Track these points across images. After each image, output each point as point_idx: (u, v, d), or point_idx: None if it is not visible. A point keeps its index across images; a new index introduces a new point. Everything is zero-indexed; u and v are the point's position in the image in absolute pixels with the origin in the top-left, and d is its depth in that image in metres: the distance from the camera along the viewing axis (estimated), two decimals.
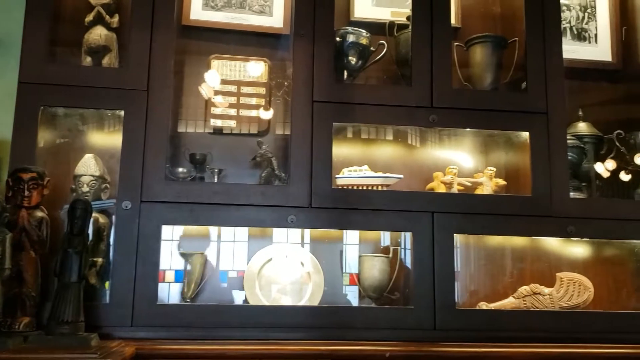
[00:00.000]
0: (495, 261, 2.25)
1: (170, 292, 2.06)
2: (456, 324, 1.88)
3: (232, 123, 2.18)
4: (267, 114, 2.19)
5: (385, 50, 2.17)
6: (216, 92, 2.17)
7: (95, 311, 1.73)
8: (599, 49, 2.46)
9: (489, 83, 2.16)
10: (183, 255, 2.05)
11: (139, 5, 1.92)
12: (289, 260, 2.06)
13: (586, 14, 2.49)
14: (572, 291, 2.06)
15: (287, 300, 2.02)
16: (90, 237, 1.79)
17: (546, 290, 2.06)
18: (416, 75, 2.01)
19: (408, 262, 2.06)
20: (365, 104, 1.99)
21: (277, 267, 2.05)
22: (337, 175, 2.06)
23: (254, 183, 2.07)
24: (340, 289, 2.17)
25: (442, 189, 2.09)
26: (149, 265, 1.78)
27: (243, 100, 2.20)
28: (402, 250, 2.10)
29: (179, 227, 2.05)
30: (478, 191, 2.11)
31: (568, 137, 2.10)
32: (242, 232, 2.12)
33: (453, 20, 2.32)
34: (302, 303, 2.01)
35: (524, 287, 2.07)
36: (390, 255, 2.11)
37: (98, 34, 2.01)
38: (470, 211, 1.96)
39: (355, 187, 2.03)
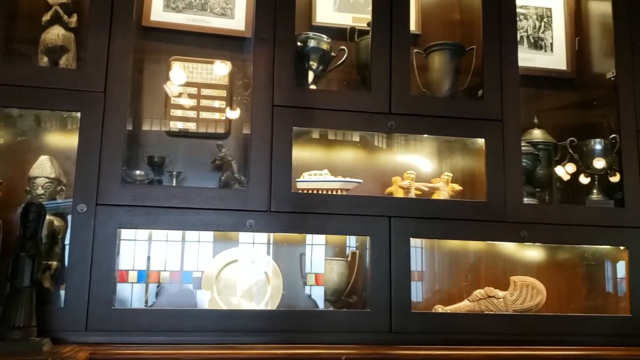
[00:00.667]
0: (453, 264, 2.30)
1: (133, 292, 2.05)
2: (411, 327, 1.91)
3: (193, 125, 2.17)
4: (228, 117, 2.19)
5: (345, 55, 2.19)
6: (177, 94, 2.16)
7: (49, 315, 1.71)
8: (555, 57, 2.53)
9: (446, 90, 2.19)
10: None
11: (98, 5, 1.90)
12: (249, 264, 2.07)
13: (542, 24, 2.55)
14: (525, 294, 2.11)
15: (245, 304, 2.02)
16: (45, 240, 1.77)
17: (500, 293, 2.11)
18: (375, 82, 2.03)
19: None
20: (325, 109, 2.00)
21: (235, 270, 2.05)
22: (297, 179, 2.07)
23: (214, 186, 2.06)
24: (301, 292, 2.18)
25: (400, 194, 2.13)
26: (104, 268, 1.76)
27: (204, 102, 2.20)
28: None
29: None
30: (435, 196, 2.15)
31: (523, 144, 2.15)
32: (208, 233, 2.11)
33: (413, 27, 2.36)
34: (261, 307, 2.01)
35: (479, 291, 2.11)
36: (349, 258, 2.13)
37: (55, 34, 1.97)
38: (427, 216, 1.99)
39: (315, 191, 2.05)
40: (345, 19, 2.35)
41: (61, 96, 1.84)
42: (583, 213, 2.12)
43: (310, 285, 2.18)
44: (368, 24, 2.17)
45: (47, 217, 1.70)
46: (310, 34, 2.17)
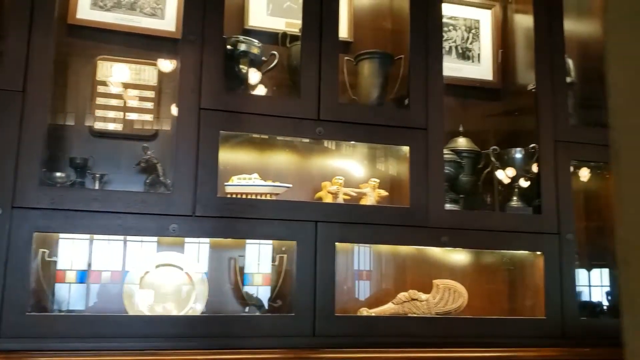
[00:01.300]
0: (380, 268, 2.34)
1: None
2: (335, 331, 1.94)
3: (119, 126, 2.13)
4: (155, 119, 2.16)
5: (276, 60, 2.20)
6: (101, 94, 2.11)
7: None
8: (482, 68, 2.62)
9: (375, 98, 2.23)
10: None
11: (17, 2, 1.84)
12: (172, 268, 2.04)
13: (471, 34, 2.63)
14: (447, 297, 2.17)
15: (169, 309, 2.00)
16: None
17: (423, 296, 2.16)
18: (304, 88, 2.05)
19: None
20: (253, 113, 2.00)
21: (158, 275, 2.02)
22: (226, 183, 2.06)
23: (138, 189, 2.03)
24: (230, 297, 2.17)
25: (329, 199, 2.15)
26: (19, 273, 1.71)
27: (131, 103, 2.16)
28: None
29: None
30: (363, 201, 2.19)
31: (447, 152, 2.21)
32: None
33: (345, 34, 2.39)
34: (185, 312, 1.99)
35: (402, 293, 2.16)
36: (276, 262, 2.14)
37: None
38: (353, 221, 2.02)
39: (244, 196, 2.04)
40: (278, 24, 2.36)
41: None
42: (502, 219, 2.20)
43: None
44: (300, 30, 2.18)
45: None
46: (241, 37, 2.16)
